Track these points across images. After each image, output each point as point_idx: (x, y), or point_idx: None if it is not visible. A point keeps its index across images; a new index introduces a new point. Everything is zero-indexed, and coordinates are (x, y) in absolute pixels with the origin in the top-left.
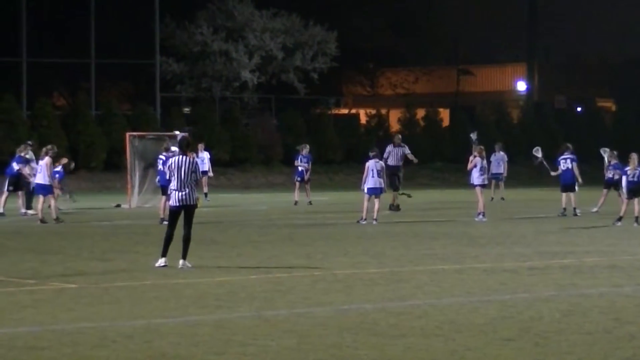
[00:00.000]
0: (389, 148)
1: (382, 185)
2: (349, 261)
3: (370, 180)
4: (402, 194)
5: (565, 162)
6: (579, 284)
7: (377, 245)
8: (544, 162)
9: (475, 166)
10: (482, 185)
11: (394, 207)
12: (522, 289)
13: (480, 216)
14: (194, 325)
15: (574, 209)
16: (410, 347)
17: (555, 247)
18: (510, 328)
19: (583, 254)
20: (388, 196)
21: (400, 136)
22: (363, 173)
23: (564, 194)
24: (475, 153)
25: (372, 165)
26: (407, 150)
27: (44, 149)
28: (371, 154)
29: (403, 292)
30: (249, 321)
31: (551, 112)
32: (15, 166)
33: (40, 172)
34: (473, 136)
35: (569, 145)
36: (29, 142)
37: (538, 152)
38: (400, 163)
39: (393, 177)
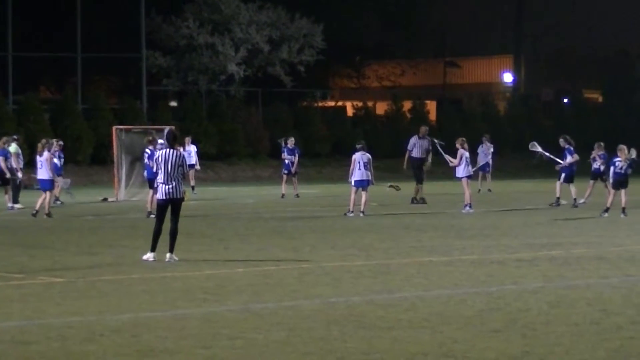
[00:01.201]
0: (414, 140)
1: (370, 178)
2: (336, 254)
3: (357, 173)
4: (390, 186)
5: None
6: (566, 276)
7: (364, 237)
8: (545, 154)
9: (461, 158)
10: (468, 177)
11: (419, 201)
12: (509, 281)
13: (467, 208)
14: (182, 319)
15: (574, 199)
16: (398, 340)
17: (543, 239)
18: (497, 320)
19: (570, 245)
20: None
21: (426, 128)
22: (350, 165)
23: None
24: (458, 145)
25: (358, 157)
26: (436, 140)
27: (39, 144)
28: (358, 146)
29: (391, 285)
30: (237, 314)
31: (538, 104)
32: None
33: (42, 167)
34: (438, 142)
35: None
36: (15, 137)
37: (535, 147)
38: (425, 155)
39: (418, 169)
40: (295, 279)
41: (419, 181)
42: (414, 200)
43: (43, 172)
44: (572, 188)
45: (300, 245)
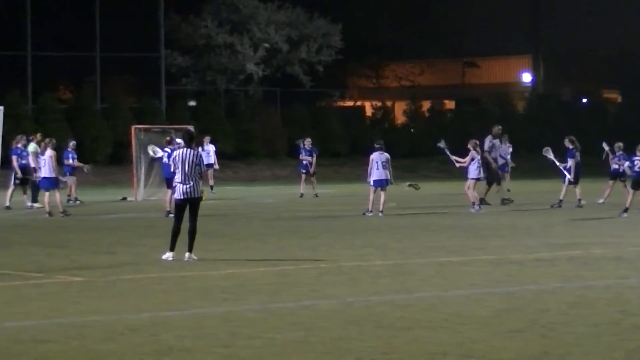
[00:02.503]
0: (491, 140)
1: (388, 177)
2: (355, 253)
3: (376, 173)
4: (410, 185)
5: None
6: (585, 276)
7: (382, 237)
8: (555, 162)
9: (472, 159)
10: (477, 179)
11: (507, 201)
12: (528, 281)
13: (477, 207)
14: (201, 318)
15: (579, 200)
16: (416, 340)
17: (562, 239)
18: (516, 320)
19: (589, 245)
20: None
21: (499, 127)
22: (368, 165)
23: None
24: (470, 147)
25: (376, 157)
26: (441, 144)
27: (42, 143)
28: (376, 146)
29: (409, 285)
30: (255, 314)
31: (556, 104)
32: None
33: (45, 165)
34: (441, 145)
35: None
36: (30, 137)
37: (548, 153)
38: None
39: (493, 169)
40: (314, 279)
41: (498, 181)
42: (504, 201)
43: (46, 171)
44: (577, 189)
45: (318, 244)
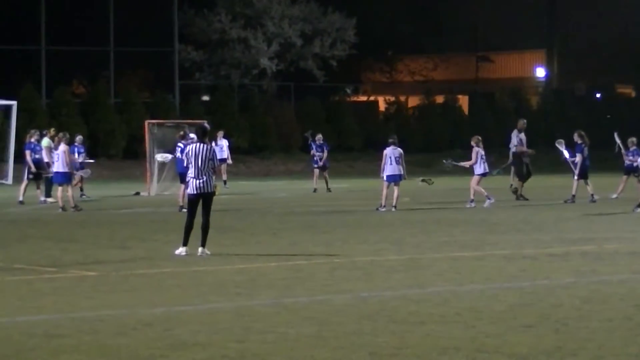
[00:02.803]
0: (518, 135)
1: (402, 172)
2: (368, 248)
3: (389, 168)
4: (423, 180)
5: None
6: (599, 271)
7: (396, 232)
8: (564, 155)
9: (477, 156)
10: (483, 175)
11: (520, 197)
12: (542, 276)
13: (472, 203)
14: (214, 313)
15: (592, 195)
16: (429, 334)
17: (575, 234)
18: (530, 315)
19: (603, 240)
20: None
21: (524, 121)
22: (382, 160)
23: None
24: (473, 143)
25: (390, 152)
26: (445, 161)
27: (56, 138)
28: (390, 141)
29: (423, 279)
30: (268, 309)
31: (570, 98)
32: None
33: (58, 160)
34: (447, 162)
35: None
36: (44, 132)
37: (561, 145)
38: (516, 150)
39: (522, 164)
40: (327, 274)
41: (521, 177)
42: (519, 196)
43: (59, 165)
44: (589, 184)
45: (332, 239)
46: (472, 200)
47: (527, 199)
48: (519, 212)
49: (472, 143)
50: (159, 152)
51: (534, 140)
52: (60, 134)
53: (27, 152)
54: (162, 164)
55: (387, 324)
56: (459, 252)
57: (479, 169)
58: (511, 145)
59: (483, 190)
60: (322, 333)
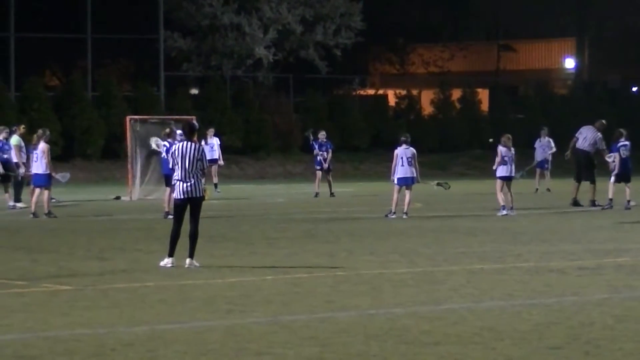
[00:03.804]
0: (594, 133)
1: (414, 175)
2: (376, 260)
3: (401, 170)
4: (438, 184)
5: (625, 150)
6: (634, 286)
7: (408, 242)
8: (606, 153)
9: (501, 156)
10: (507, 178)
11: (595, 203)
12: (570, 292)
13: (504, 211)
14: (203, 332)
15: (628, 201)
16: (444, 357)
17: (608, 244)
18: (557, 335)
19: (639, 251)
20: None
21: (604, 122)
22: (392, 161)
23: (615, 185)
24: (502, 141)
25: (401, 152)
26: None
27: (35, 135)
28: (402, 139)
29: (437, 295)
30: (264, 327)
31: (603, 92)
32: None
33: (37, 160)
34: (520, 174)
35: (622, 131)
36: (13, 129)
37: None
38: (591, 149)
39: (591, 166)
40: (330, 288)
41: (579, 180)
42: (593, 203)
43: (38, 166)
44: (627, 188)
45: (335, 250)
46: (503, 207)
47: (581, 205)
48: (545, 220)
49: (502, 140)
50: (152, 139)
51: (562, 138)
52: (40, 131)
53: None
54: (147, 162)
55: (397, 345)
56: (477, 265)
57: (500, 170)
58: (587, 146)
59: (500, 198)
60: (324, 355)
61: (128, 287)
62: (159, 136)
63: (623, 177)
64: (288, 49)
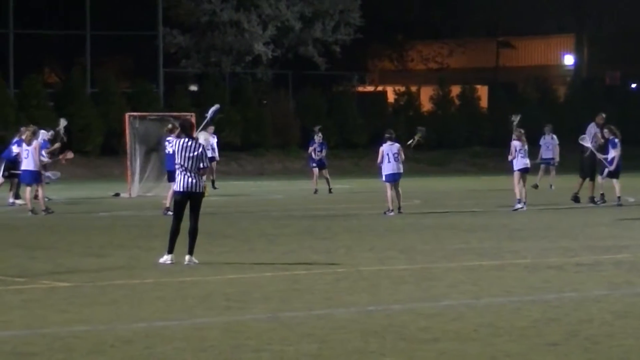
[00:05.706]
0: (595, 129)
1: (401, 170)
2: (374, 257)
3: (388, 166)
4: (413, 140)
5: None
6: (634, 282)
7: (406, 239)
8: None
9: (515, 150)
10: (521, 170)
11: (600, 199)
12: (569, 288)
13: (519, 205)
14: (201, 329)
15: (618, 197)
16: (443, 353)
17: (607, 241)
18: (555, 332)
19: (638, 248)
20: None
21: (604, 115)
22: (377, 159)
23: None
24: (514, 136)
25: (387, 149)
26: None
27: (27, 132)
28: (386, 136)
29: (435, 292)
30: (263, 324)
31: (602, 89)
32: (15, 149)
33: (28, 157)
34: (515, 119)
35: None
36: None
37: (585, 142)
38: (594, 145)
39: (594, 164)
40: (329, 285)
41: (584, 176)
42: (592, 199)
43: (29, 163)
44: (617, 185)
45: (334, 246)
46: (519, 201)
47: (580, 202)
48: (544, 216)
49: (514, 136)
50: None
51: (561, 135)
52: (32, 128)
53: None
54: (146, 159)
55: (396, 342)
56: (476, 261)
57: (518, 163)
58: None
59: (518, 191)
60: (323, 351)
61: (126, 283)
62: (161, 133)
63: (614, 173)
64: (287, 45)
